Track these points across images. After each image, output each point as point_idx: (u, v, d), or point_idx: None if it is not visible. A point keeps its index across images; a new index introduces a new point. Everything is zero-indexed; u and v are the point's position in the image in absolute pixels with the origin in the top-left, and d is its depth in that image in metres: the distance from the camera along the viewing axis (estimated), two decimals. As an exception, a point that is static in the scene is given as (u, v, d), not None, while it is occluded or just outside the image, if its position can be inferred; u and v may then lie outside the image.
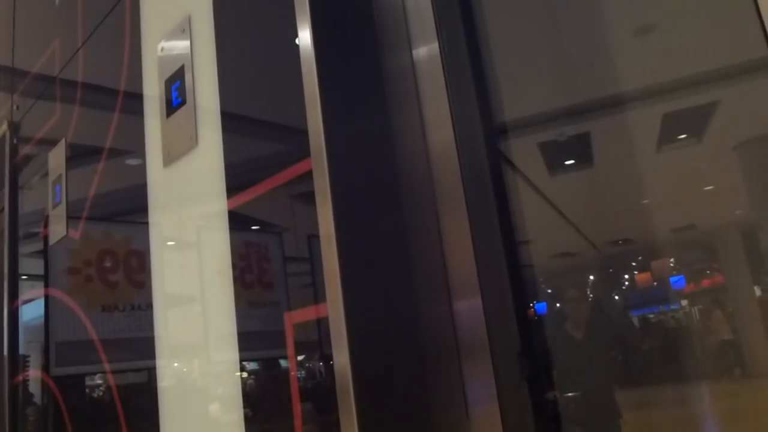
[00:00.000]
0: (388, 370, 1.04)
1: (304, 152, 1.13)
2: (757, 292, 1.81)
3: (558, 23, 1.80)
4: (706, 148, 2.06)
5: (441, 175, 1.12)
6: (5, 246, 2.51)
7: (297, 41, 1.16)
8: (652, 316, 2.40)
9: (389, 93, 1.20)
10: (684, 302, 2.28)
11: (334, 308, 1.02)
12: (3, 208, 2.59)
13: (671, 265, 2.26)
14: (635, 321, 2.44)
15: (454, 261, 1.09)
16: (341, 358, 1.00)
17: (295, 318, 1.20)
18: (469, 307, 1.06)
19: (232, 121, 1.41)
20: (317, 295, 1.15)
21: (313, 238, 1.17)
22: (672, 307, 2.34)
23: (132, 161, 1.88)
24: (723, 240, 2.08)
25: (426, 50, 1.17)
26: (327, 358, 1.09)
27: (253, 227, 1.38)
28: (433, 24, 1.16)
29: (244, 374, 1.32)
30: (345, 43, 1.18)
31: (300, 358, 1.20)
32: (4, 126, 2.60)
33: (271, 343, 1.28)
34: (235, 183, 1.36)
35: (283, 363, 1.26)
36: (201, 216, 1.50)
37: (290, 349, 1.20)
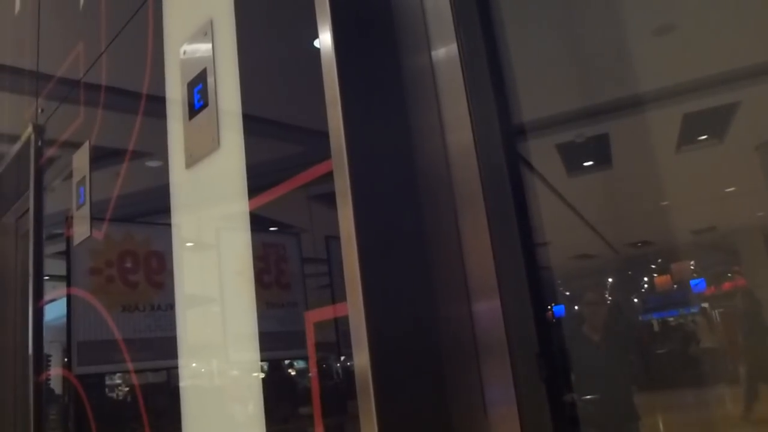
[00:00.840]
0: (407, 370, 1.05)
1: (324, 153, 1.14)
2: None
3: (577, 24, 1.80)
4: (727, 148, 2.03)
5: (460, 175, 1.12)
6: (30, 246, 2.56)
7: (317, 43, 1.17)
8: (671, 319, 2.38)
9: (408, 94, 1.21)
10: (705, 305, 2.25)
11: (355, 308, 1.03)
12: (28, 209, 2.64)
13: (691, 267, 2.24)
14: (654, 324, 2.42)
15: (473, 262, 1.09)
16: (361, 358, 1.01)
17: (315, 317, 1.21)
18: (487, 308, 1.06)
19: (253, 124, 1.42)
20: (335, 296, 1.16)
21: (330, 239, 1.18)
22: (692, 310, 2.31)
23: (151, 163, 1.90)
24: (745, 242, 2.05)
25: (445, 51, 1.17)
26: (346, 357, 1.10)
27: (272, 228, 1.39)
28: (452, 25, 1.16)
29: (265, 374, 1.33)
30: (365, 44, 1.19)
31: (320, 357, 1.21)
32: (29, 129, 2.65)
33: (290, 343, 1.30)
34: (256, 184, 1.37)
35: (302, 363, 1.27)
36: (222, 217, 1.52)
37: (311, 349, 1.21)
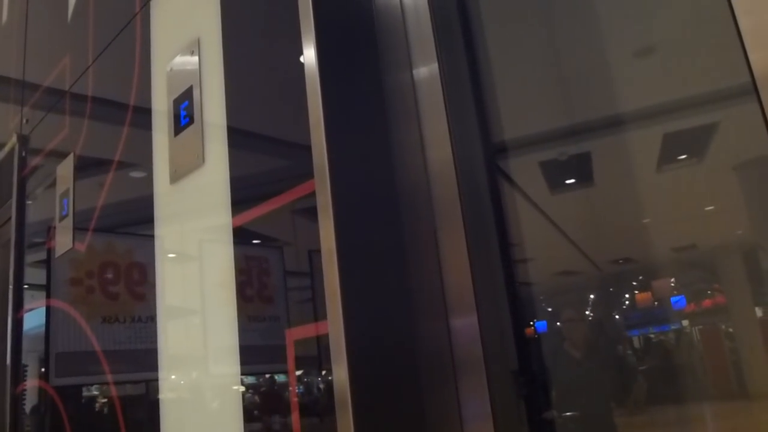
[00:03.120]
0: (385, 385, 1.05)
1: (308, 172, 1.15)
2: (759, 313, 1.81)
3: (559, 46, 1.82)
4: (706, 168, 2.06)
5: (439, 192, 1.14)
6: (11, 256, 2.53)
7: (302, 63, 1.18)
8: (652, 335, 2.39)
9: (390, 112, 1.22)
10: (685, 322, 2.26)
11: (334, 324, 1.03)
12: (10, 218, 2.61)
13: (672, 284, 2.25)
14: (636, 341, 2.43)
15: (451, 278, 1.10)
16: (340, 374, 1.01)
17: (296, 335, 1.21)
18: (465, 324, 1.07)
19: (238, 141, 1.43)
20: (317, 311, 1.16)
21: (314, 253, 1.18)
22: (673, 326, 2.32)
23: (136, 174, 1.90)
24: (724, 260, 2.07)
25: (426, 70, 1.19)
26: (326, 374, 1.10)
27: (255, 241, 1.39)
28: (434, 45, 1.19)
29: (245, 388, 1.33)
30: (348, 63, 1.21)
31: (299, 373, 1.21)
32: (14, 139, 2.64)
33: (271, 357, 1.30)
34: (240, 202, 1.38)
35: (283, 378, 1.27)
36: (205, 232, 1.52)
37: (290, 365, 1.21)
